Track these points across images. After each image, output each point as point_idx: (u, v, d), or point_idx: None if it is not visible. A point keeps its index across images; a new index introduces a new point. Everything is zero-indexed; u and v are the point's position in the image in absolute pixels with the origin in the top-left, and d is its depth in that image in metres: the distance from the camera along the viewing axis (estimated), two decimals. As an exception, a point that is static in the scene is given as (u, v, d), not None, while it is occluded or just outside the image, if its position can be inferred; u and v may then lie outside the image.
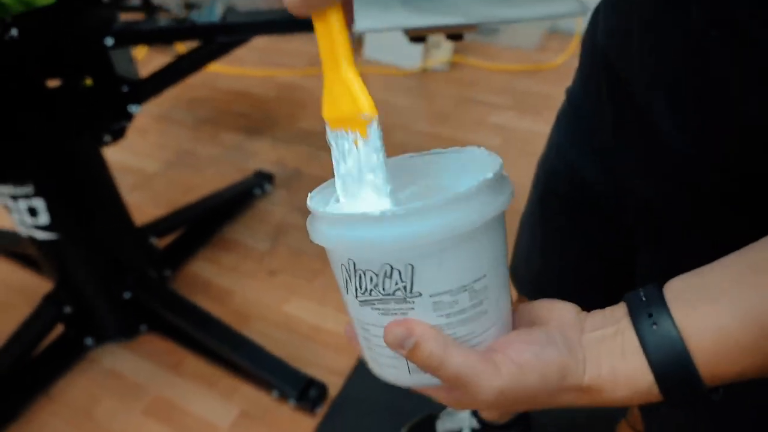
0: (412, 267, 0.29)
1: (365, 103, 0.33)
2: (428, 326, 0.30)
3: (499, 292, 0.32)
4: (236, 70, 2.57)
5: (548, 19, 0.96)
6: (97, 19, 0.94)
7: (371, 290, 0.31)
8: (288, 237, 1.69)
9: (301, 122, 2.23)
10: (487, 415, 1.08)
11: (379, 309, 0.31)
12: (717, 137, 0.39)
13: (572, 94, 0.61)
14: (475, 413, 1.13)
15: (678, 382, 0.28)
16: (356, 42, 2.72)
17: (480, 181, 0.30)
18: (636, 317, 0.30)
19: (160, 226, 1.55)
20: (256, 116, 2.30)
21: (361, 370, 1.29)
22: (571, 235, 0.65)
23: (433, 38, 2.46)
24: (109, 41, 0.96)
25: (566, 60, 2.53)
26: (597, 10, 0.53)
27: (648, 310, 0.29)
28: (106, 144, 1.16)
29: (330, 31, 0.33)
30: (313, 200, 0.35)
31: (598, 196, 0.57)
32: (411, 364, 0.32)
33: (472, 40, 2.69)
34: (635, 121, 0.46)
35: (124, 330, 1.38)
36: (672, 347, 0.28)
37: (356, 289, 0.31)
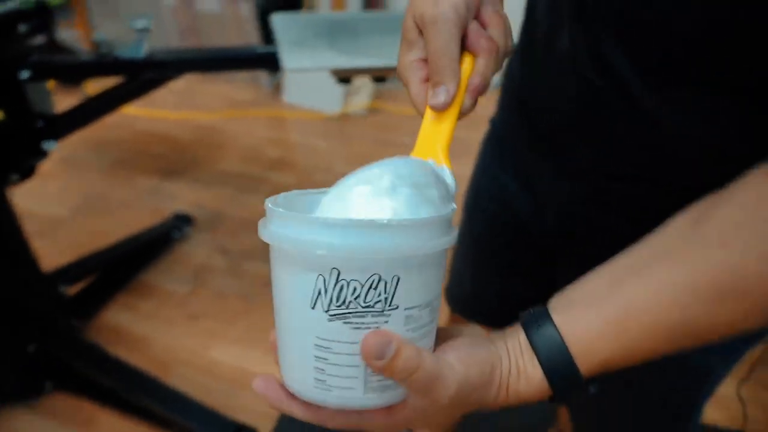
0: (398, 279, 0.30)
1: None
2: (400, 335, 0.32)
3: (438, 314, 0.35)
4: (153, 112, 2.51)
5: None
6: (12, 51, 0.90)
7: (350, 302, 0.30)
8: (209, 280, 1.63)
9: (220, 164, 2.20)
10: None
11: (352, 323, 0.31)
12: (614, 158, 0.47)
13: (495, 122, 0.67)
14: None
15: (561, 372, 0.34)
16: (275, 87, 2.75)
17: (452, 209, 0.34)
18: (526, 326, 0.36)
19: (70, 272, 1.45)
20: (173, 159, 2.24)
21: (292, 413, 1.25)
22: (500, 255, 0.70)
23: (354, 84, 2.55)
24: (25, 74, 0.92)
25: (479, 107, 2.71)
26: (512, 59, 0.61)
27: (535, 318, 0.36)
28: (14, 183, 1.09)
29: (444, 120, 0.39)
30: (280, 204, 0.33)
31: (521, 214, 0.63)
32: (368, 382, 0.32)
33: (390, 87, 2.81)
34: (548, 146, 0.53)
35: (26, 389, 1.26)
36: (554, 344, 0.34)
37: (330, 302, 0.30)
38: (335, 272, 0.30)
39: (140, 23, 0.97)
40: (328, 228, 0.30)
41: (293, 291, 0.32)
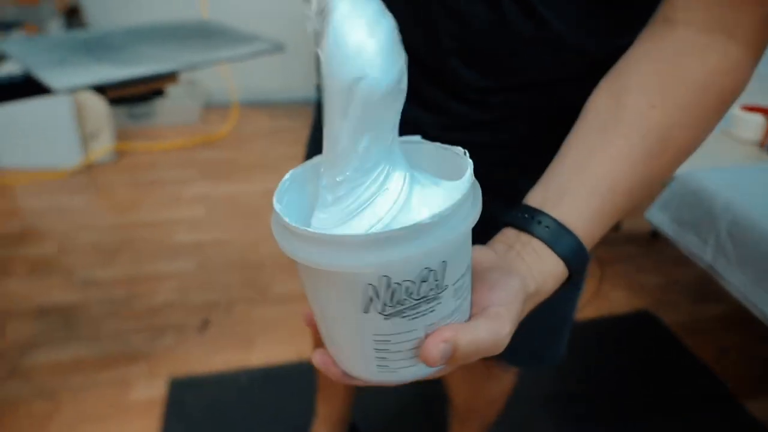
0: (446, 263, 0.30)
1: None
2: (452, 328, 0.31)
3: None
4: None
5: (248, 58, 1.02)
6: None
7: (404, 300, 0.29)
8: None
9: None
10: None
11: (408, 315, 0.30)
12: (502, 74, 0.52)
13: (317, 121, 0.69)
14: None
15: (577, 258, 0.37)
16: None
17: (468, 182, 0.32)
18: (531, 230, 0.37)
19: None
20: None
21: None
22: None
23: (89, 128, 2.25)
24: None
25: (233, 128, 2.65)
26: None
27: (536, 220, 0.37)
28: None
29: None
30: (288, 216, 0.29)
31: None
32: None
33: (133, 127, 2.56)
34: (438, 76, 0.55)
35: None
36: (565, 237, 0.37)
37: (384, 305, 0.29)
38: (385, 279, 0.28)
39: None
40: (372, 245, 0.27)
41: (340, 302, 0.30)
